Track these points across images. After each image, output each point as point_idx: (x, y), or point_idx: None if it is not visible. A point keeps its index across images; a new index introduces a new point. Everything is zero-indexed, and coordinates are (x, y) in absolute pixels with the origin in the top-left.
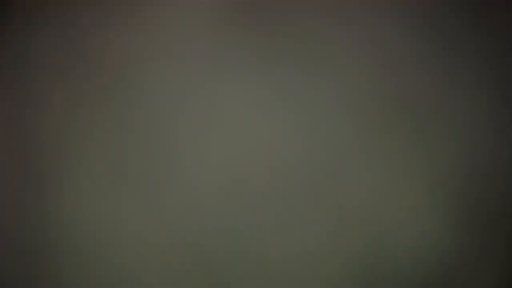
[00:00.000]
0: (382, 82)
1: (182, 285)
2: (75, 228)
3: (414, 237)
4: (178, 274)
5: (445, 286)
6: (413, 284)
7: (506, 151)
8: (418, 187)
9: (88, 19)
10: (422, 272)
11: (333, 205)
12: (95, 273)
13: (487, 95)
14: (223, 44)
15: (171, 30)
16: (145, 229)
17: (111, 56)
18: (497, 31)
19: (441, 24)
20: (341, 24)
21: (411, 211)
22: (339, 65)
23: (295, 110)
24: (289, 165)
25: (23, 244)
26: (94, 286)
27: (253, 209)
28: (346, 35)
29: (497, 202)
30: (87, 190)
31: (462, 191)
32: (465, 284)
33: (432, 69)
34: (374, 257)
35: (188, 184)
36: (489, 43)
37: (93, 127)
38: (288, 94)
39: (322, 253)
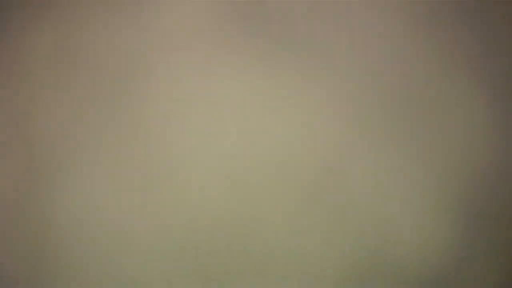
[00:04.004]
0: (382, 82)
1: (181, 283)
2: (76, 227)
3: (414, 236)
4: (178, 271)
5: (445, 285)
6: (413, 283)
7: (506, 150)
8: (418, 187)
9: (88, 19)
10: (422, 271)
11: (332, 204)
12: (95, 272)
13: (487, 95)
14: (224, 44)
15: (172, 31)
16: (146, 228)
17: (112, 56)
18: (497, 30)
19: (440, 24)
20: (340, 24)
21: (411, 210)
22: (338, 65)
23: (294, 110)
24: (288, 164)
25: (24, 243)
26: (94, 285)
27: (252, 208)
28: (346, 35)
29: (497, 201)
30: (87, 189)
31: (462, 190)
32: (465, 283)
33: (431, 68)
34: (373, 256)
35: (188, 183)
36: (489, 42)
37: (93, 126)
38: (287, 94)
39: (321, 252)
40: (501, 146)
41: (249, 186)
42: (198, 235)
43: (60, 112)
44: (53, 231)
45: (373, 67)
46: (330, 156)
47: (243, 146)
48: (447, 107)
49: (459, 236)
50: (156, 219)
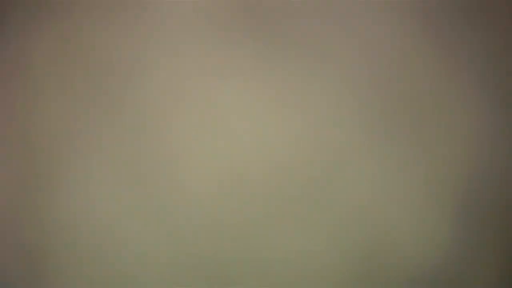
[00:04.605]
0: (381, 82)
1: (182, 284)
2: (76, 227)
3: (413, 237)
4: (178, 273)
5: (445, 284)
6: (412, 283)
7: (505, 150)
8: (418, 187)
9: (88, 19)
10: (422, 270)
11: (332, 204)
12: (95, 272)
13: (487, 95)
14: (224, 44)
15: (172, 31)
16: (146, 229)
17: (111, 56)
18: (497, 31)
19: (440, 24)
20: (341, 24)
21: (411, 210)
22: (338, 65)
23: (294, 110)
24: (288, 164)
25: (24, 244)
26: (95, 285)
27: (252, 208)
28: (346, 35)
29: (497, 201)
30: (87, 190)
31: (462, 190)
32: (465, 282)
33: (431, 68)
34: (373, 256)
35: (188, 183)
36: (489, 43)
37: (93, 126)
38: (287, 94)
39: (321, 253)
40: (501, 146)
41: (249, 186)
42: (198, 237)
43: (60, 112)
44: (53, 231)
45: (374, 68)
46: (330, 157)
47: (244, 147)
48: (447, 108)
49: (459, 236)
50: (156, 220)
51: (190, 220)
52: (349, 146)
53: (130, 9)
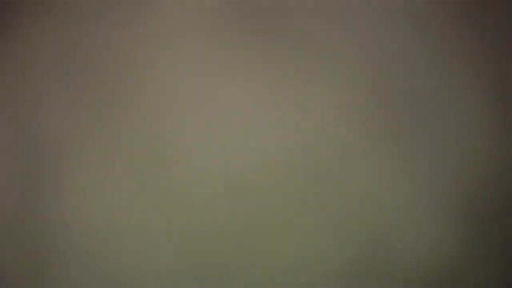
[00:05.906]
0: (382, 83)
1: (182, 284)
2: (76, 226)
3: (414, 237)
4: (178, 272)
5: (445, 285)
6: (412, 284)
7: (506, 151)
8: (418, 187)
9: (88, 19)
10: (422, 271)
11: (332, 205)
12: (95, 272)
13: (487, 95)
14: (223, 44)
15: (172, 31)
16: (145, 228)
17: (112, 56)
18: (496, 31)
19: (440, 25)
20: (340, 25)
21: (411, 210)
22: (338, 66)
23: (294, 111)
24: (288, 165)
25: (23, 243)
26: (94, 284)
27: (252, 208)
28: (346, 36)
29: (497, 202)
30: (87, 189)
31: (462, 190)
32: (465, 283)
33: (431, 69)
34: (374, 256)
35: (188, 183)
36: (488, 43)
37: (93, 126)
38: (287, 95)
39: (321, 253)
40: (503, 146)
41: (250, 186)
42: (197, 238)
43: (60, 112)
44: (54, 230)
45: (375, 67)
46: (332, 157)
47: (244, 147)
48: (449, 109)
49: (461, 237)
50: (156, 219)
51: (190, 220)
52: (351, 146)
53: (130, 10)
